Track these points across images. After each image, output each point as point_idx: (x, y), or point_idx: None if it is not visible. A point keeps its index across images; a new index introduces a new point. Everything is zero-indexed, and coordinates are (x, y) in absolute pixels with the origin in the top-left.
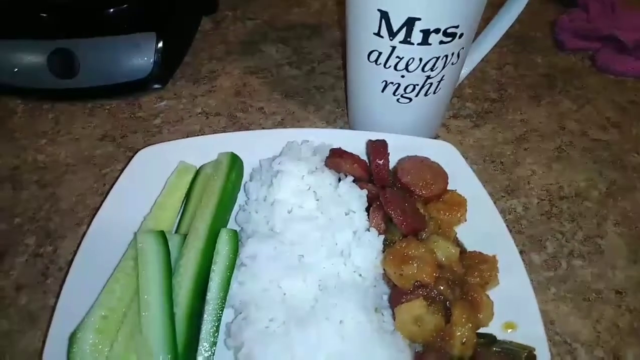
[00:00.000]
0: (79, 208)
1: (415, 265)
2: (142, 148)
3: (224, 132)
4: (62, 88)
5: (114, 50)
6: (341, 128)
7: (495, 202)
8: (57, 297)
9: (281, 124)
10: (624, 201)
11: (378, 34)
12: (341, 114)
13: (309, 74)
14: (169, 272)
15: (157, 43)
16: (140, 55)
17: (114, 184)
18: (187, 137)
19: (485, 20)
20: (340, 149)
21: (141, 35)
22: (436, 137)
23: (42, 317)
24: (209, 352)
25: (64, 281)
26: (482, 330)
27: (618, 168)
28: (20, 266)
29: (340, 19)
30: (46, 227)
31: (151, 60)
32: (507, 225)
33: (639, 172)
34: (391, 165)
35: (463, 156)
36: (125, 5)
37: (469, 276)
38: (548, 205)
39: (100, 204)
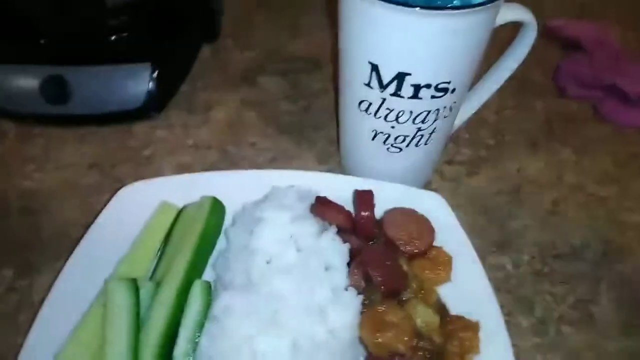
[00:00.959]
0: (60, 240)
1: (391, 333)
2: (129, 180)
3: (214, 166)
4: (54, 114)
5: (108, 79)
6: (332, 168)
7: (484, 258)
8: (24, 338)
9: (273, 161)
10: (620, 264)
11: (369, 85)
12: (334, 152)
13: (305, 110)
14: (137, 325)
15: (152, 73)
16: (135, 85)
17: (94, 219)
18: (177, 169)
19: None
20: (325, 198)
21: (136, 65)
22: (429, 183)
23: (8, 356)
24: None
25: (33, 321)
26: None
27: (615, 227)
28: None
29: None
30: (25, 259)
31: (145, 89)
32: (496, 284)
33: (638, 233)
34: (379, 214)
35: (454, 207)
36: (124, 34)
37: (449, 344)
38: (539, 264)
39: (80, 238)
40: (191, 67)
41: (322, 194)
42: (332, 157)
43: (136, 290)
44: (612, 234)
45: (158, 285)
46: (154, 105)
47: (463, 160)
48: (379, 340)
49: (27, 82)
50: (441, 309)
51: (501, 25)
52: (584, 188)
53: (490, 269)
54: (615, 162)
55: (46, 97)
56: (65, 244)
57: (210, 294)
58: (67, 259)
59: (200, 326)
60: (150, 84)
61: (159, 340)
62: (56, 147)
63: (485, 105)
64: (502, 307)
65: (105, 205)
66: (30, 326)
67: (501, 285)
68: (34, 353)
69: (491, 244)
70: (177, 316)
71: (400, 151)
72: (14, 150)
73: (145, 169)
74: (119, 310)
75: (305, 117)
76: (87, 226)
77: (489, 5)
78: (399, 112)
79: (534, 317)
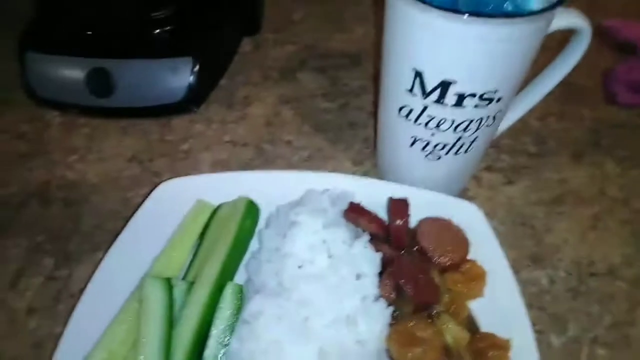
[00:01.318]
0: (98, 232)
1: (420, 349)
2: (166, 174)
3: (249, 164)
4: (98, 106)
5: (150, 73)
6: (368, 170)
7: (519, 272)
8: (65, 326)
9: (308, 160)
10: None
11: (411, 92)
12: (370, 155)
13: (343, 108)
14: (170, 323)
15: (193, 67)
16: (175, 79)
17: (133, 213)
18: (213, 165)
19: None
20: (358, 205)
21: (178, 60)
22: (465, 189)
23: (48, 345)
24: None
25: (72, 310)
26: None
27: None
28: (35, 288)
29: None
30: (65, 249)
31: (186, 84)
32: (529, 300)
33: None
34: (412, 222)
35: (490, 215)
36: (167, 28)
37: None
38: (576, 281)
39: (120, 231)
40: (231, 62)
41: (356, 198)
42: (368, 159)
43: (170, 289)
44: None
45: (191, 284)
46: (193, 100)
47: (502, 167)
48: (408, 355)
49: (72, 73)
50: (472, 324)
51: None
52: (628, 203)
53: (524, 284)
54: None
55: (91, 88)
56: (104, 235)
57: (241, 297)
58: (105, 250)
59: (231, 328)
60: (191, 79)
61: (190, 339)
62: (99, 139)
63: (530, 110)
64: (534, 324)
65: (143, 199)
66: (69, 316)
67: (534, 302)
68: (72, 343)
69: (526, 258)
70: (209, 317)
71: (439, 159)
72: (57, 140)
73: (183, 163)
74: (154, 308)
75: (343, 115)
76: (126, 219)
77: (544, 13)
78: (441, 120)
79: (566, 336)
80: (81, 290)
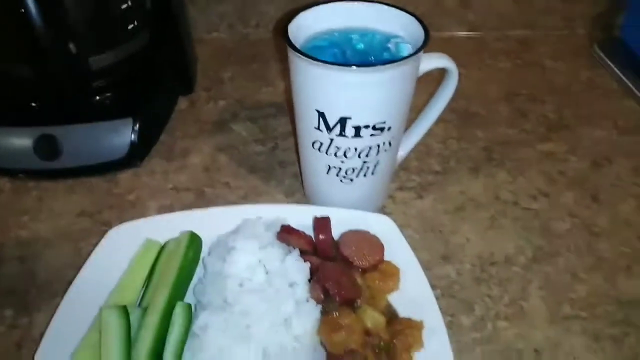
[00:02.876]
0: (55, 281)
1: (344, 333)
2: (115, 223)
3: (192, 206)
4: (47, 169)
5: (94, 135)
6: (298, 199)
7: (431, 269)
8: None
9: (244, 198)
10: (548, 266)
11: (318, 128)
12: (299, 187)
13: (273, 150)
14: (128, 344)
15: (133, 127)
16: (118, 138)
17: (86, 259)
18: (158, 211)
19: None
20: (289, 226)
21: (119, 121)
22: (383, 207)
23: None
24: None
25: (35, 352)
26: None
27: (545, 235)
28: None
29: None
30: (23, 300)
31: (128, 142)
32: (441, 290)
33: (564, 239)
34: (337, 236)
35: (405, 226)
36: (108, 94)
37: (396, 340)
38: (479, 271)
39: (73, 280)
40: (169, 119)
41: (286, 223)
42: (298, 191)
43: (127, 314)
44: (541, 241)
45: (145, 310)
46: (136, 155)
47: (413, 186)
48: (334, 339)
49: (21, 141)
50: (391, 313)
51: (428, 72)
52: (518, 204)
53: (436, 278)
54: (545, 180)
55: (39, 154)
56: (60, 284)
57: (190, 314)
58: (62, 298)
59: (183, 342)
60: (132, 137)
61: (148, 353)
62: (48, 199)
63: (433, 136)
64: (446, 309)
65: (93, 248)
66: (33, 357)
67: (446, 291)
68: None
69: (437, 257)
70: (163, 335)
71: (352, 181)
72: (9, 204)
73: (130, 212)
74: (113, 333)
75: (273, 156)
76: (80, 268)
77: (410, 58)
78: (346, 149)
79: (474, 316)
80: (42, 335)
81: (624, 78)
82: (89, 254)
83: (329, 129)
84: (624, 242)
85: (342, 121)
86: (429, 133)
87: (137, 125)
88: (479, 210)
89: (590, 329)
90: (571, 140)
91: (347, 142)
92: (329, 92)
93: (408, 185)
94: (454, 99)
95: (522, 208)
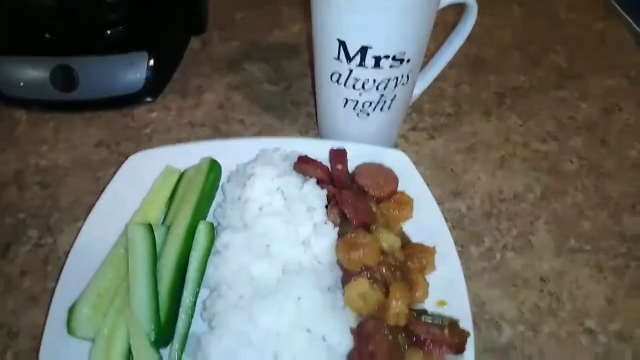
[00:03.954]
0: (76, 206)
1: (361, 251)
2: (133, 154)
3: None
4: (63, 100)
5: (110, 67)
6: (312, 138)
7: (443, 204)
8: (57, 281)
9: (259, 135)
10: (556, 203)
11: (338, 59)
12: (313, 126)
13: (286, 90)
14: (154, 257)
15: (148, 61)
16: (133, 72)
17: (107, 185)
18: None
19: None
20: (306, 156)
21: (134, 54)
22: (395, 146)
23: (43, 299)
24: (187, 323)
25: (62, 267)
26: (418, 307)
27: (553, 175)
28: (24, 255)
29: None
30: (47, 222)
31: (143, 76)
32: (452, 223)
33: (572, 179)
34: (352, 169)
35: (417, 163)
36: (121, 27)
37: (410, 262)
38: (489, 207)
39: (95, 203)
40: (182, 57)
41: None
42: (312, 130)
43: (152, 230)
44: (549, 180)
45: (168, 229)
46: (151, 90)
47: (425, 127)
48: (352, 257)
49: (38, 72)
50: (404, 239)
51: (448, 7)
52: (528, 146)
53: (448, 212)
54: (555, 124)
55: (56, 85)
56: (81, 209)
57: (213, 232)
58: (84, 219)
59: (206, 257)
60: (147, 71)
61: (173, 269)
62: (65, 130)
63: (445, 80)
64: (456, 240)
65: (113, 175)
66: (59, 274)
67: (456, 224)
68: (67, 288)
69: (449, 193)
70: (187, 250)
71: (368, 116)
72: (27, 134)
73: (147, 145)
74: (140, 245)
75: (287, 96)
76: (100, 194)
77: None
78: (364, 80)
79: (483, 247)
80: (67, 253)
81: (637, 29)
82: (108, 182)
83: (349, 58)
84: (630, 183)
85: (363, 50)
86: (442, 77)
87: (152, 59)
88: (490, 150)
89: (594, 261)
90: (582, 88)
91: (366, 73)
92: (352, 18)
93: (421, 126)
94: (466, 44)
95: (532, 150)
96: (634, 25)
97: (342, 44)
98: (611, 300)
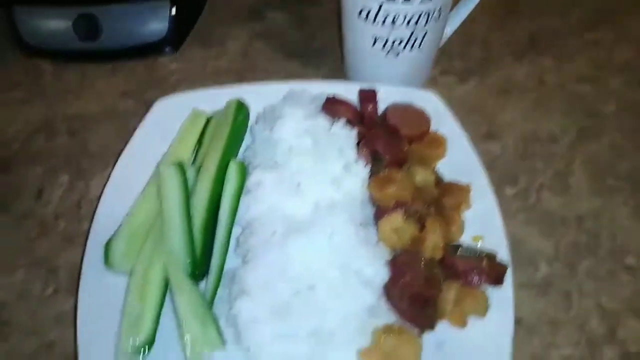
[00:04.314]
0: (105, 153)
1: (394, 186)
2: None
3: None
4: (86, 49)
5: (133, 15)
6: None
7: (476, 145)
8: (91, 222)
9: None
10: (592, 144)
11: None
12: (337, 73)
13: (310, 38)
14: (187, 196)
15: (170, 9)
16: (156, 20)
17: (135, 130)
18: None
19: None
20: (334, 96)
21: (157, 2)
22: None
23: (78, 240)
24: (221, 258)
25: (96, 208)
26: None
27: (590, 116)
28: (57, 199)
29: None
30: (77, 168)
31: (165, 24)
32: (486, 164)
33: (609, 120)
34: (380, 112)
35: (446, 105)
36: None
37: (445, 199)
38: (523, 148)
39: (124, 148)
40: (204, 6)
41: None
42: (337, 77)
43: (183, 170)
44: (586, 121)
45: (199, 169)
46: (174, 38)
47: (456, 71)
48: (386, 192)
49: (61, 22)
50: (438, 178)
51: None
52: (564, 87)
53: (481, 154)
54: (592, 67)
55: (79, 34)
56: (111, 155)
57: (244, 170)
58: (115, 163)
59: (238, 196)
60: (170, 18)
61: (206, 206)
62: (90, 80)
63: (475, 22)
64: (490, 181)
65: (141, 121)
66: (92, 216)
67: (490, 165)
68: (102, 226)
69: (482, 135)
70: (218, 190)
71: (397, 56)
72: (52, 84)
73: (172, 93)
74: (173, 184)
75: (311, 44)
76: (129, 140)
77: None
78: (395, 15)
79: (518, 187)
80: (99, 197)
81: None
82: (136, 129)
83: None
84: None
85: None
86: (472, 20)
87: (175, 7)
88: (524, 93)
89: (632, 201)
90: (618, 29)
91: (397, 8)
92: None
93: (451, 69)
94: None
95: (567, 91)
96: None
97: None
98: None
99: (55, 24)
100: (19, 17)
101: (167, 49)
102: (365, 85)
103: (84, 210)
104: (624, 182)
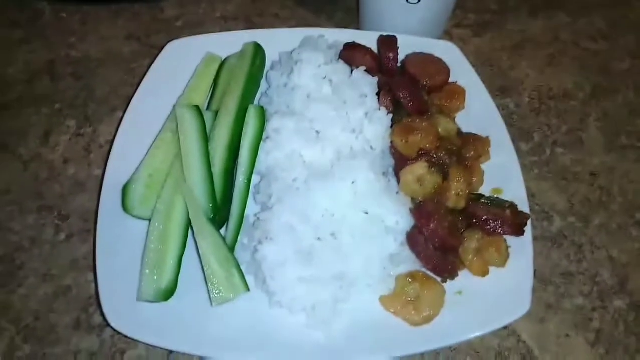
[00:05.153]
0: (112, 97)
1: (419, 135)
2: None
3: None
4: None
5: None
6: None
7: None
8: (102, 168)
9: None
10: (606, 102)
11: None
12: (351, 22)
13: None
14: (206, 138)
15: None
16: None
17: (145, 73)
18: None
19: None
20: (353, 42)
21: None
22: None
23: (88, 184)
24: (242, 204)
25: (108, 154)
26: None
27: (604, 73)
28: (65, 143)
29: None
30: (84, 112)
31: None
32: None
33: (623, 77)
34: (400, 60)
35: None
36: None
37: (465, 150)
38: (538, 103)
39: (134, 93)
40: None
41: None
42: (350, 26)
43: (200, 112)
44: (600, 78)
45: (216, 113)
46: None
47: (470, 24)
48: (410, 140)
49: None
50: (458, 128)
51: None
52: (578, 44)
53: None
54: (606, 23)
55: None
56: (118, 100)
57: (263, 115)
58: (126, 108)
59: (258, 140)
60: None
61: (225, 151)
62: (93, 22)
63: None
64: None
65: (150, 65)
66: (102, 162)
67: (505, 121)
68: (117, 170)
69: (496, 89)
70: (238, 134)
71: (417, 2)
72: (53, 25)
73: (179, 37)
74: (190, 126)
75: None
76: (135, 85)
77: None
78: None
79: (533, 142)
80: (108, 142)
81: None
82: (142, 75)
83: None
84: None
85: None
86: None
87: None
88: (538, 48)
89: None
90: None
91: None
92: None
93: (465, 23)
94: None
95: (582, 48)
96: None
97: None
98: None
99: None
100: None
101: None
102: (385, 34)
103: (93, 156)
104: (636, 139)
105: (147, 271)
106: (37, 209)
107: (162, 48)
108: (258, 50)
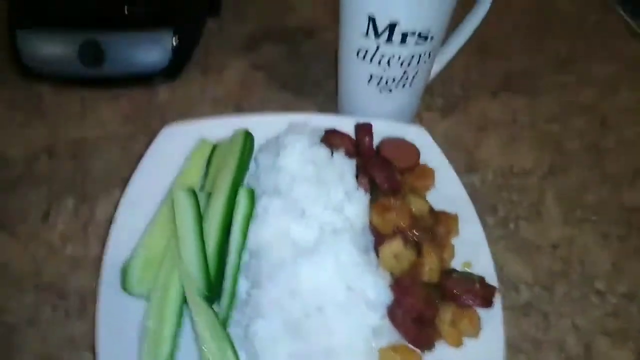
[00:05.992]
0: (109, 177)
1: (394, 213)
2: (160, 128)
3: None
4: (90, 75)
5: (136, 44)
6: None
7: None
8: (100, 246)
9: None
10: (562, 178)
11: (366, 35)
12: (331, 104)
13: (305, 70)
14: (200, 219)
15: (173, 39)
16: (159, 50)
17: (141, 156)
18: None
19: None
20: (333, 129)
21: (160, 32)
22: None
23: (86, 263)
24: (234, 281)
25: (106, 233)
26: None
27: (559, 152)
28: (63, 222)
29: (328, 24)
30: (82, 192)
31: (169, 53)
32: (468, 195)
33: (576, 156)
34: (375, 144)
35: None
36: (144, 4)
37: (436, 227)
38: (501, 180)
39: (130, 173)
40: (200, 37)
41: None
42: (330, 109)
43: (195, 194)
44: (555, 157)
45: (209, 195)
46: (175, 67)
47: (438, 107)
48: (386, 218)
49: (64, 47)
50: (429, 207)
51: None
52: (535, 126)
53: (463, 185)
54: (560, 106)
55: (83, 60)
56: (115, 180)
57: (253, 196)
58: (123, 188)
59: (248, 220)
60: (173, 48)
61: (218, 231)
62: (92, 106)
63: (455, 63)
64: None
65: (146, 147)
66: (100, 241)
67: (472, 196)
68: (116, 250)
69: (463, 168)
70: (229, 214)
71: (390, 92)
72: (54, 108)
73: (173, 120)
74: (186, 208)
75: (306, 76)
76: (132, 166)
77: None
78: (390, 56)
79: (497, 217)
80: (106, 221)
81: (631, 22)
82: (139, 156)
83: (377, 35)
84: (628, 160)
85: (391, 27)
86: (451, 61)
87: (177, 36)
88: (499, 129)
89: (600, 230)
90: (582, 73)
91: (393, 50)
92: None
93: (433, 106)
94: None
95: (538, 130)
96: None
97: (371, 20)
98: (616, 264)
99: (59, 50)
100: (22, 42)
101: (167, 77)
102: (361, 120)
103: (91, 235)
104: (591, 213)
105: (146, 349)
106: (35, 288)
107: (158, 131)
108: (247, 137)
